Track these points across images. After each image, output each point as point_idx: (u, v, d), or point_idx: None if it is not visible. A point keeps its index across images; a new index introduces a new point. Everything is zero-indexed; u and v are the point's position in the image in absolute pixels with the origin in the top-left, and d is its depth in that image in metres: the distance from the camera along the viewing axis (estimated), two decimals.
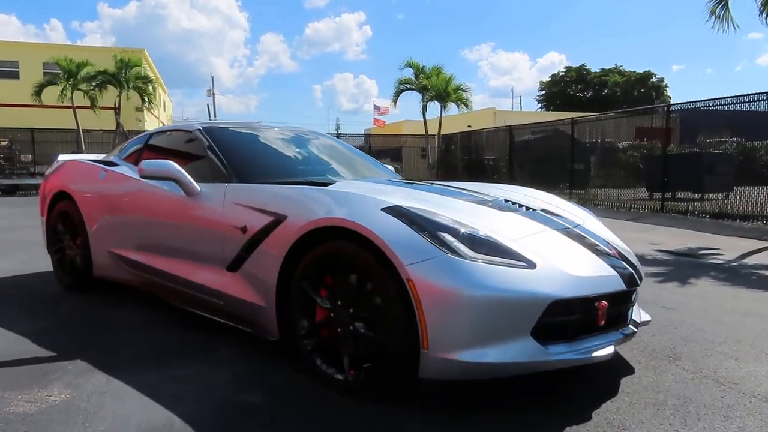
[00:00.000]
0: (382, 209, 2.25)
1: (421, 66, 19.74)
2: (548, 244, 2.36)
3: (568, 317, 2.16)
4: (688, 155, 11.84)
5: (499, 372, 2.07)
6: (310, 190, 2.61)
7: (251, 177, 3.05)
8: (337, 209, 2.34)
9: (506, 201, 2.87)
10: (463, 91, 19.37)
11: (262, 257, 2.59)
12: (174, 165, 3.07)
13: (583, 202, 13.39)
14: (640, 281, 2.51)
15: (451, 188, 3.13)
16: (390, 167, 4.42)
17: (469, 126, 23.56)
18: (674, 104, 10.84)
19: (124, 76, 18.56)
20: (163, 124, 45.87)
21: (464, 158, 19.51)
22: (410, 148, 23.62)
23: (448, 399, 2.27)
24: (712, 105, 10.74)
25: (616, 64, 58.85)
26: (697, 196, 11.89)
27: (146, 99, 20.07)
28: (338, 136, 23.53)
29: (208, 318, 3.05)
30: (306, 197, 2.55)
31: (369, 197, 2.40)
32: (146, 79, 19.90)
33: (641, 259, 4.33)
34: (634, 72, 57.49)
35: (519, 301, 2.03)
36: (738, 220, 9.38)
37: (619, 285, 2.33)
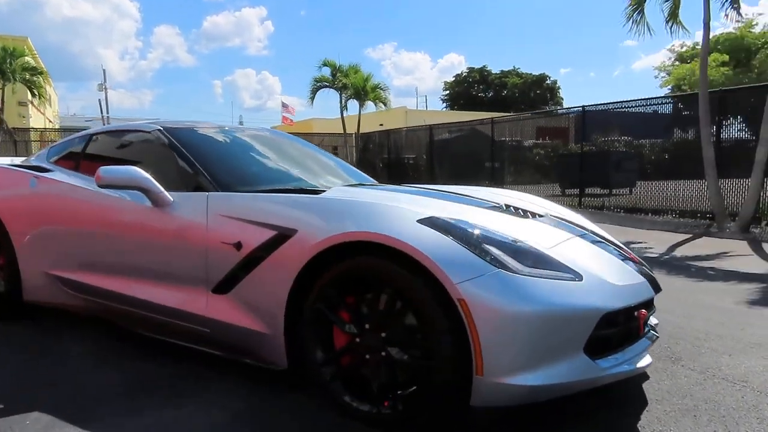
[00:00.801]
0: (418, 221, 2.04)
1: (337, 65, 19.49)
2: (579, 253, 2.27)
3: (614, 329, 2.08)
4: (600, 153, 12.62)
5: (556, 392, 1.94)
6: (324, 200, 2.33)
7: (236, 185, 2.70)
8: (364, 222, 2.09)
9: (514, 208, 2.76)
10: (382, 90, 19.40)
11: (265, 277, 2.28)
12: (141, 172, 2.64)
13: None
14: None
15: (450, 193, 2.98)
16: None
17: (381, 125, 23.69)
18: (588, 105, 11.45)
19: (9, 66, 16.50)
20: (50, 122, 41.81)
21: (383, 157, 19.52)
22: (325, 148, 23.29)
23: (484, 421, 2.11)
24: (620, 107, 11.61)
25: (514, 66, 61.93)
26: (606, 191, 12.81)
27: (36, 93, 18.00)
28: None
29: (182, 346, 2.67)
30: (321, 208, 2.27)
31: (398, 208, 2.18)
32: (34, 71, 17.83)
33: None
34: (531, 74, 60.81)
35: (573, 316, 1.92)
36: (650, 214, 10.10)
37: (649, 292, 2.30)
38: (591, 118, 13.18)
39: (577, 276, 2.02)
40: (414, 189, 3.10)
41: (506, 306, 1.84)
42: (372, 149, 20.54)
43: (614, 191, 12.65)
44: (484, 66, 61.53)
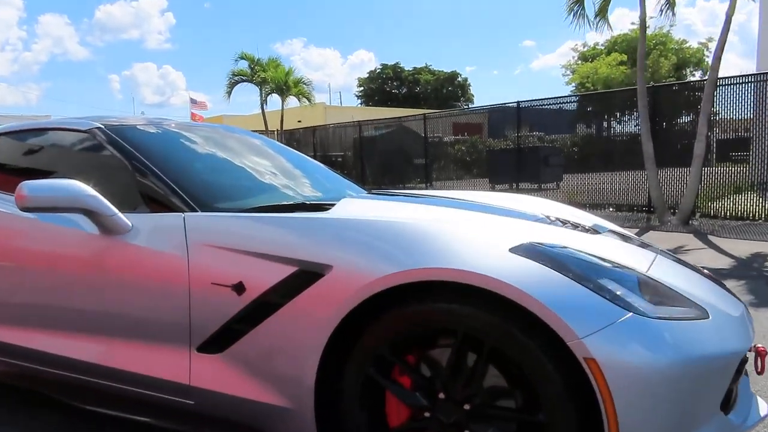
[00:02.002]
0: (511, 250, 1.51)
1: (256, 58, 18.41)
2: (679, 278, 1.84)
3: (739, 374, 1.67)
4: (532, 149, 12.73)
5: None
6: (366, 223, 1.72)
7: (218, 202, 2.03)
8: (437, 253, 1.53)
9: (562, 220, 2.31)
10: (305, 84, 18.55)
11: (285, 332, 1.65)
12: (85, 188, 1.89)
13: None
14: None
15: (481, 204, 2.47)
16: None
17: (299, 121, 22.80)
18: (523, 101, 11.48)
19: None
20: None
21: (309, 155, 18.70)
22: None
23: None
24: (553, 103, 11.81)
25: (426, 64, 62.86)
26: (535, 186, 13.02)
27: None
28: None
29: (154, 427, 1.96)
30: (365, 234, 1.67)
31: (474, 232, 1.64)
32: None
33: None
34: (443, 71, 61.99)
35: (714, 365, 1.49)
36: (588, 208, 10.22)
37: (750, 318, 1.92)
38: (491, 115, 13.49)
39: (703, 312, 1.59)
40: (435, 198, 2.57)
41: (645, 362, 1.36)
42: (296, 147, 19.65)
43: (543, 186, 12.93)
44: (397, 63, 61.94)
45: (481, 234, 1.62)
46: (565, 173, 12.24)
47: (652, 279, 1.60)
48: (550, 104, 11.57)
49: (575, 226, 2.20)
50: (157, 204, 2.00)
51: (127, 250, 1.91)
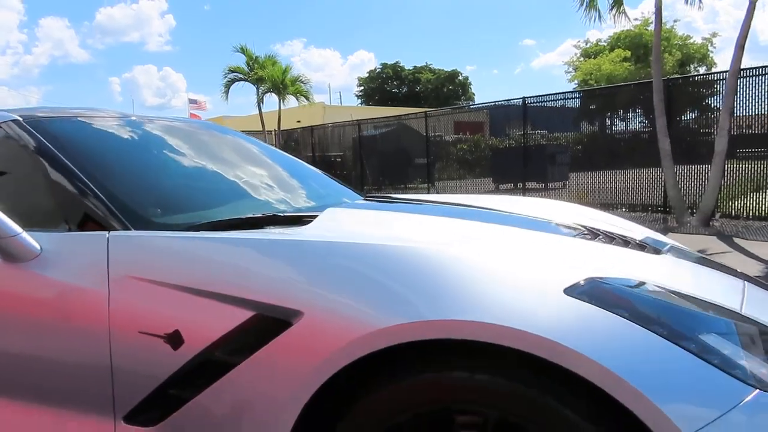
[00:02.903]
0: (567, 291, 1.01)
1: (254, 55, 17.87)
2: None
3: None
4: (537, 147, 12.23)
5: None
6: (351, 247, 1.22)
7: (159, 217, 1.53)
8: (456, 296, 1.03)
9: (606, 233, 1.81)
10: (303, 83, 17.99)
11: (239, 402, 1.16)
12: None
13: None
14: None
15: (489, 212, 1.98)
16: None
17: (299, 121, 22.27)
18: (530, 97, 10.96)
19: None
20: None
21: (307, 156, 18.21)
22: None
23: None
24: (560, 99, 11.31)
25: (426, 63, 62.48)
26: (541, 186, 12.51)
27: None
28: None
29: None
30: (349, 264, 1.17)
31: (509, 261, 1.15)
32: None
33: None
34: (443, 70, 61.61)
35: None
36: (599, 208, 9.70)
37: None
38: (492, 113, 12.98)
39: None
40: (443, 207, 2.08)
41: None
42: (294, 148, 19.17)
43: (550, 185, 12.42)
44: (397, 62, 61.58)
45: (516, 264, 1.13)
46: (570, 172, 11.77)
47: (759, 324, 1.11)
48: (555, 101, 11.05)
49: (625, 242, 1.70)
50: (78, 219, 1.50)
51: (32, 283, 1.41)
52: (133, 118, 2.04)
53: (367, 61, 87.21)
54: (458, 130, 14.93)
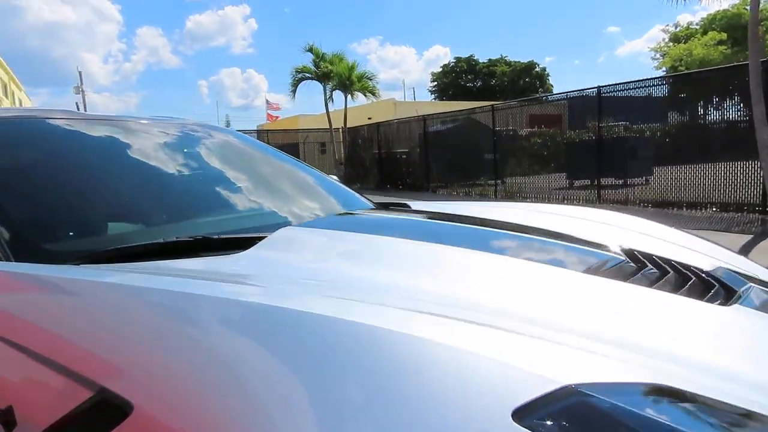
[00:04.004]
0: (517, 415, 0.57)
1: (321, 53, 17.89)
2: None
3: None
4: (616, 140, 11.24)
5: None
6: (240, 306, 0.84)
7: (59, 241, 1.25)
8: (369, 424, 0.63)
9: (657, 263, 1.32)
10: (369, 78, 17.82)
11: None
12: None
13: (509, 194, 12.51)
14: None
15: (495, 232, 1.53)
16: (333, 177, 2.68)
17: (370, 118, 22.12)
18: (605, 86, 10.06)
19: None
20: None
21: (373, 153, 18.03)
22: (311, 144, 21.76)
23: None
24: (631, 89, 10.31)
25: (501, 55, 60.90)
26: (620, 182, 11.50)
27: None
28: None
29: None
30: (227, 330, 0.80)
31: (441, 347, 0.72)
32: None
33: None
34: (519, 62, 59.79)
35: None
36: (685, 209, 8.74)
37: None
38: (571, 105, 11.99)
39: None
40: (439, 228, 1.66)
41: None
42: (361, 144, 19.06)
43: (629, 181, 11.39)
44: (471, 55, 60.50)
45: (470, 358, 0.69)
46: (654, 166, 10.71)
47: None
48: (633, 89, 10.05)
49: (682, 277, 1.20)
50: None
51: None
52: (76, 118, 1.76)
53: (442, 56, 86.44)
54: (533, 123, 14.14)
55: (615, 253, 1.35)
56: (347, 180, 18.55)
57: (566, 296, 1.00)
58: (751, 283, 1.23)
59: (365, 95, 18.04)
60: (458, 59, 60.68)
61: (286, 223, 1.52)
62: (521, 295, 0.99)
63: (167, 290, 0.90)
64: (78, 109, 33.23)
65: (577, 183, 11.92)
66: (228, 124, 46.34)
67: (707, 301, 1.06)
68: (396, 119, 17.46)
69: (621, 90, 10.31)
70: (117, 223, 1.42)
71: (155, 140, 1.79)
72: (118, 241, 1.25)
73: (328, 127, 18.54)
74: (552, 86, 58.52)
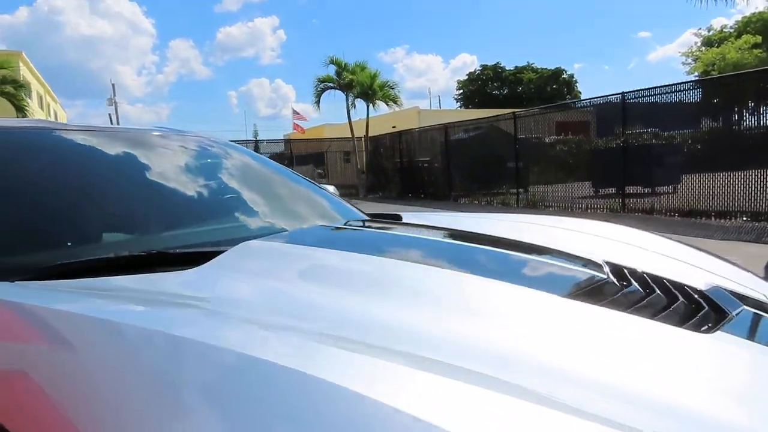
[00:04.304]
0: None
1: (344, 63, 17.97)
2: None
3: None
4: (642, 147, 10.92)
5: None
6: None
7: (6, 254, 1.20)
8: None
9: (642, 280, 1.20)
10: (391, 87, 17.81)
11: None
12: None
13: (532, 203, 12.28)
14: None
15: (476, 248, 1.42)
16: (330, 188, 2.59)
17: (394, 127, 22.09)
18: (629, 92, 9.80)
19: None
20: None
21: (395, 161, 17.98)
22: (335, 153, 21.85)
23: None
24: (657, 94, 10.00)
25: (528, 62, 60.43)
26: (647, 190, 11.15)
27: (21, 107, 16.74)
28: (257, 143, 21.28)
29: None
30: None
31: None
32: (15, 83, 16.56)
33: None
34: (546, 69, 59.23)
35: None
36: (714, 218, 8.40)
37: None
38: (599, 111, 11.66)
39: None
40: (419, 243, 1.56)
41: None
42: (383, 153, 19.03)
43: (656, 189, 11.02)
44: (497, 63, 60.17)
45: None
46: (684, 173, 10.34)
47: None
48: (662, 93, 9.75)
49: (669, 297, 1.08)
50: None
51: None
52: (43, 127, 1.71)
53: (469, 64, 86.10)
54: (560, 130, 13.86)
55: (599, 270, 1.23)
56: (369, 189, 18.57)
57: (530, 329, 0.89)
58: (745, 306, 1.10)
59: (387, 104, 18.02)
60: (484, 67, 60.41)
61: (257, 236, 1.44)
62: (475, 326, 0.89)
63: (69, 313, 0.83)
64: (111, 120, 33.53)
65: (602, 191, 11.62)
66: (256, 134, 46.86)
67: (689, 326, 0.94)
68: (418, 128, 17.38)
69: (646, 96, 10.01)
70: (77, 235, 1.37)
71: (119, 148, 1.70)
72: (64, 256, 1.20)
73: (351, 135, 18.58)
74: (580, 93, 57.62)
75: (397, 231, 1.59)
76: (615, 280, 1.16)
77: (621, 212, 9.88)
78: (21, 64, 23.76)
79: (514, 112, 13.06)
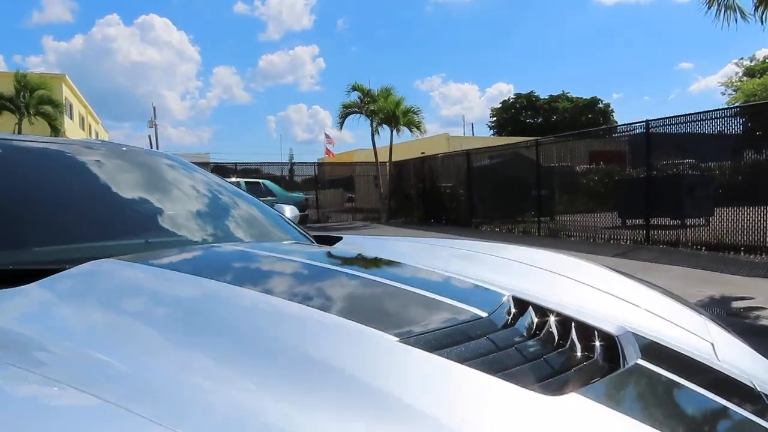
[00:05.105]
0: None
1: (367, 89, 18.06)
2: None
3: None
4: (670, 177, 10.47)
5: None
6: None
7: None
8: None
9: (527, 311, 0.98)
10: (414, 113, 17.75)
11: None
12: None
13: (553, 232, 11.90)
14: None
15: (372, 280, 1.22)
16: (288, 208, 2.40)
17: (423, 152, 22.04)
18: (653, 120, 9.43)
19: (23, 100, 15.91)
20: None
21: (418, 186, 17.81)
22: (362, 177, 21.88)
23: None
24: (680, 122, 9.56)
25: (563, 91, 60.00)
26: (677, 222, 10.62)
27: (56, 127, 17.35)
28: (291, 166, 21.52)
29: None
30: None
31: None
32: (54, 104, 17.20)
33: None
34: (582, 98, 58.63)
35: None
36: (743, 253, 7.89)
37: None
38: (632, 141, 11.23)
39: None
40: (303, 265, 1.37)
41: None
42: (406, 178, 18.92)
43: (687, 221, 10.48)
44: (531, 91, 59.94)
45: None
46: (717, 206, 9.80)
47: None
48: (689, 122, 9.33)
49: (612, 363, 0.87)
50: None
51: None
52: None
53: (505, 93, 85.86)
54: (594, 160, 13.42)
55: (486, 305, 1.02)
56: (391, 214, 18.42)
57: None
58: (641, 360, 0.87)
59: (411, 130, 17.97)
60: (518, 95, 60.23)
61: (125, 252, 1.28)
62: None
63: None
64: (150, 141, 34.49)
65: (629, 221, 11.13)
66: (291, 157, 47.66)
67: (538, 387, 0.73)
68: (441, 153, 17.24)
69: (673, 124, 9.60)
70: None
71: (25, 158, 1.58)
72: None
73: (375, 160, 18.55)
74: (616, 122, 56.66)
75: (288, 255, 1.40)
76: (495, 319, 0.95)
77: (644, 244, 9.42)
78: (63, 87, 24.80)
79: (537, 140, 12.79)
